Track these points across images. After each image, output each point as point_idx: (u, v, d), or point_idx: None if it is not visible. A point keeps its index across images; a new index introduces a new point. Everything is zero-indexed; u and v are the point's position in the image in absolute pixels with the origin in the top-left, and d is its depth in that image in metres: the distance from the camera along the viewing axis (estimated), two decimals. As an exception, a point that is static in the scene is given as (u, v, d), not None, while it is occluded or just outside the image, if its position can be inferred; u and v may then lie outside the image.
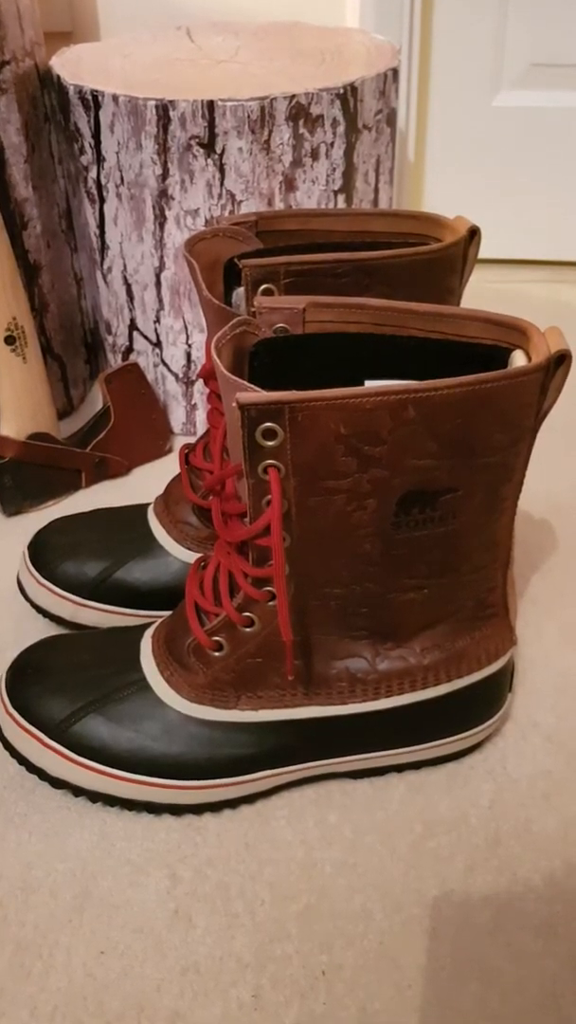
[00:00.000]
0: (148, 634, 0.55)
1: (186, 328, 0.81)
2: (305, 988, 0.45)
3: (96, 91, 0.72)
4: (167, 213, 0.75)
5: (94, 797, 0.52)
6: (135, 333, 0.84)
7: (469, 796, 0.54)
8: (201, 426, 0.88)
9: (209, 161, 0.72)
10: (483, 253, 1.22)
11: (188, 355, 0.83)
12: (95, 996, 0.45)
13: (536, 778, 0.55)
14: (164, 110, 0.70)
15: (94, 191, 0.78)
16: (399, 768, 0.55)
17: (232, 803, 0.53)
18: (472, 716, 0.54)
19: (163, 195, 0.74)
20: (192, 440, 0.88)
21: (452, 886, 0.50)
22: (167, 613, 0.62)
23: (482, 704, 0.54)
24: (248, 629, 0.49)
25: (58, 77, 0.76)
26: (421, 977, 0.46)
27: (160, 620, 0.56)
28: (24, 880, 0.50)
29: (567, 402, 0.92)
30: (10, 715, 0.53)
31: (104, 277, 0.82)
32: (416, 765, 0.55)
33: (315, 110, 0.72)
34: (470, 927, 0.48)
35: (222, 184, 0.73)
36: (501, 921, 0.48)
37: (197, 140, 0.71)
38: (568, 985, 0.45)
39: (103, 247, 0.80)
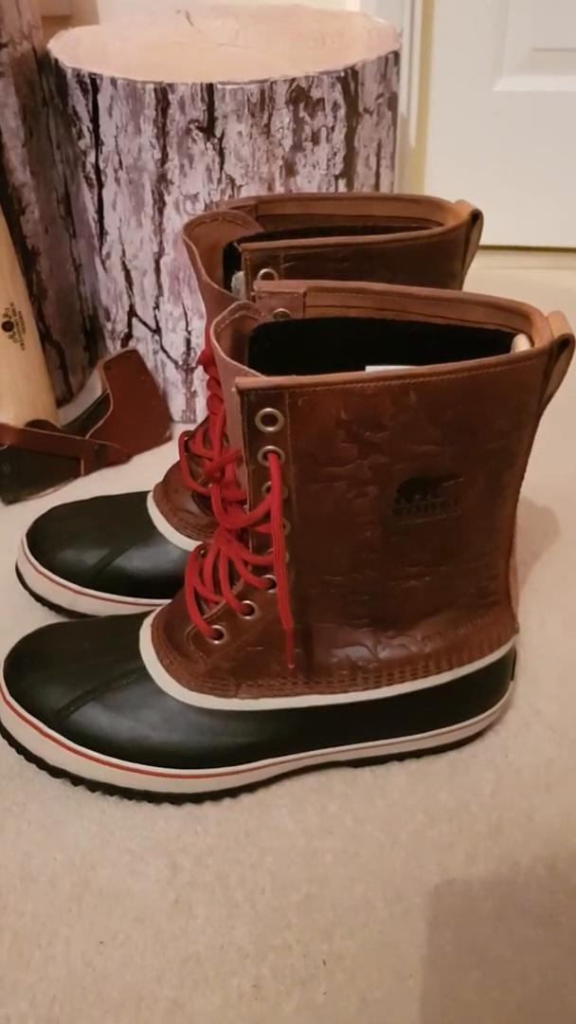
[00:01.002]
0: (147, 622, 0.54)
1: (185, 314, 0.81)
2: (306, 977, 0.45)
3: (94, 74, 0.71)
4: (166, 198, 0.74)
5: (93, 786, 0.52)
6: (134, 319, 0.83)
7: (471, 785, 0.54)
8: (201, 413, 0.87)
9: (208, 145, 0.71)
10: (484, 239, 1.21)
11: (187, 342, 0.82)
12: (94, 986, 0.45)
13: (538, 767, 0.55)
14: (163, 93, 0.69)
15: (92, 176, 0.77)
16: (400, 757, 0.55)
17: (232, 792, 0.53)
18: (474, 704, 0.54)
19: (162, 179, 0.74)
20: (191, 427, 0.88)
21: (453, 875, 0.49)
22: (166, 601, 0.62)
23: (484, 692, 0.54)
24: (248, 617, 0.49)
25: (56, 60, 0.75)
26: (422, 966, 0.45)
27: (159, 608, 0.55)
28: (23, 869, 0.50)
29: (571, 389, 0.91)
30: (8, 704, 0.53)
31: (103, 263, 0.82)
32: (417, 754, 0.55)
33: (316, 93, 0.71)
34: (471, 916, 0.47)
35: (222, 168, 0.72)
36: (503, 910, 0.48)
37: (196, 124, 0.70)
38: (570, 974, 0.45)
39: (102, 232, 0.80)
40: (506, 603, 0.52)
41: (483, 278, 1.15)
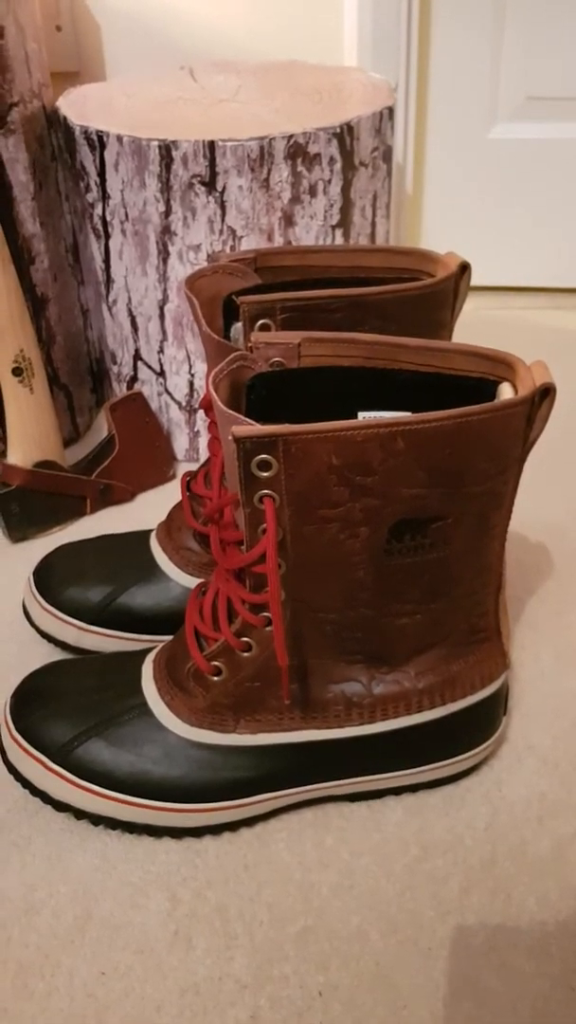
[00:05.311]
0: (150, 659, 0.56)
1: (189, 358, 0.83)
2: (302, 1008, 0.46)
3: (101, 131, 0.74)
4: (170, 248, 0.77)
5: (96, 820, 0.53)
6: (139, 363, 0.86)
7: (465, 818, 0.55)
8: (204, 453, 0.90)
9: (210, 198, 0.74)
10: (481, 281, 1.24)
11: (191, 384, 0.85)
12: (96, 1017, 0.46)
13: (531, 800, 0.56)
14: (167, 150, 0.72)
15: (100, 227, 0.80)
16: (396, 791, 0.56)
17: (231, 826, 0.54)
18: (467, 739, 0.55)
19: (166, 231, 0.76)
20: (195, 466, 0.90)
21: (447, 907, 0.50)
22: (169, 637, 0.64)
23: (477, 727, 0.55)
24: (246, 654, 0.50)
25: (64, 118, 0.78)
26: (416, 997, 0.46)
27: (161, 645, 0.57)
28: (27, 902, 0.51)
29: (565, 427, 0.93)
30: (14, 739, 0.54)
31: (109, 309, 0.85)
32: (413, 788, 0.56)
33: (313, 149, 0.74)
34: (465, 948, 0.48)
35: (223, 220, 0.75)
36: (495, 942, 0.49)
37: (199, 178, 0.73)
38: (560, 1005, 0.46)
39: (108, 280, 0.83)
40: (496, 639, 0.54)
41: (479, 319, 1.18)
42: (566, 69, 1.10)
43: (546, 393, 0.45)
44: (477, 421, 0.43)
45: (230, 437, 0.43)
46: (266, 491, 0.44)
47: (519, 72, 1.11)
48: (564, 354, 1.07)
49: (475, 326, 1.15)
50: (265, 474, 0.43)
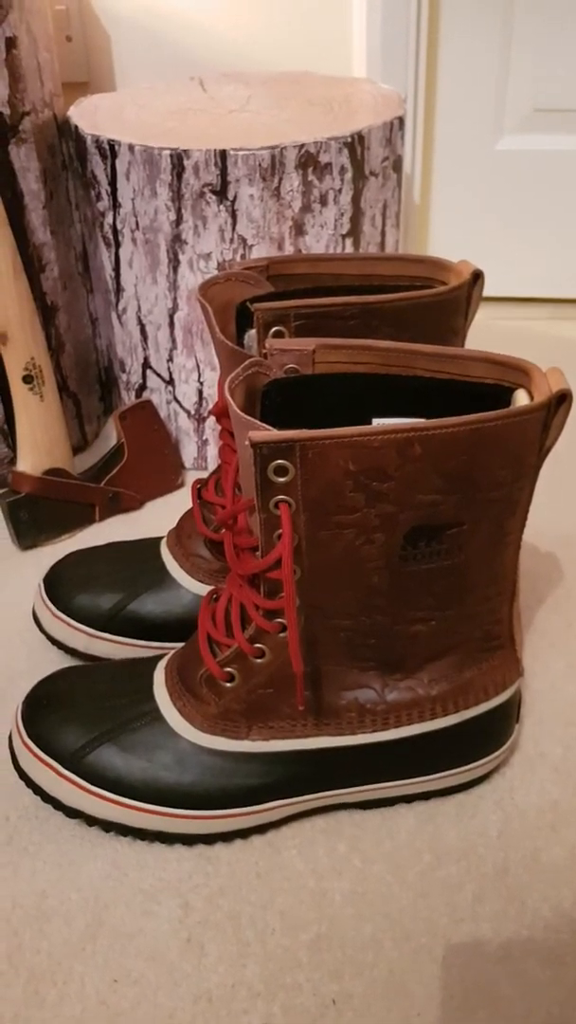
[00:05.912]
0: (161, 665, 0.56)
1: (198, 366, 0.83)
2: (316, 1016, 0.46)
3: (113, 141, 0.75)
4: (180, 257, 0.78)
5: (107, 826, 0.53)
6: (148, 371, 0.86)
7: (478, 826, 0.55)
8: (212, 461, 0.90)
9: (221, 207, 0.74)
10: (487, 291, 1.24)
11: (200, 392, 0.85)
12: (109, 1024, 0.46)
13: (544, 808, 0.56)
14: (178, 159, 0.73)
15: (110, 235, 0.80)
16: (408, 798, 0.56)
17: (243, 833, 0.54)
18: (480, 747, 0.55)
19: (177, 240, 0.77)
20: (203, 475, 0.90)
21: (461, 915, 0.50)
22: (179, 645, 0.64)
23: (490, 735, 0.55)
24: (259, 660, 0.50)
25: (76, 127, 0.79)
26: (430, 1005, 0.46)
27: (173, 651, 0.57)
28: (38, 909, 0.51)
29: (573, 438, 0.93)
30: (26, 745, 0.54)
31: (119, 317, 0.85)
32: (425, 795, 0.56)
33: (324, 158, 0.74)
34: (478, 956, 0.48)
35: (234, 229, 0.75)
36: (509, 950, 0.48)
37: (210, 187, 0.74)
38: (575, 1013, 0.46)
39: (118, 289, 0.83)
40: (510, 647, 0.54)
41: (486, 328, 1.18)
42: (573, 82, 1.11)
43: (562, 399, 0.45)
44: (494, 427, 0.43)
45: (247, 442, 0.43)
46: (282, 496, 0.44)
47: (526, 84, 1.12)
48: (569, 365, 1.08)
49: (480, 336, 1.15)
50: (281, 479, 0.44)
